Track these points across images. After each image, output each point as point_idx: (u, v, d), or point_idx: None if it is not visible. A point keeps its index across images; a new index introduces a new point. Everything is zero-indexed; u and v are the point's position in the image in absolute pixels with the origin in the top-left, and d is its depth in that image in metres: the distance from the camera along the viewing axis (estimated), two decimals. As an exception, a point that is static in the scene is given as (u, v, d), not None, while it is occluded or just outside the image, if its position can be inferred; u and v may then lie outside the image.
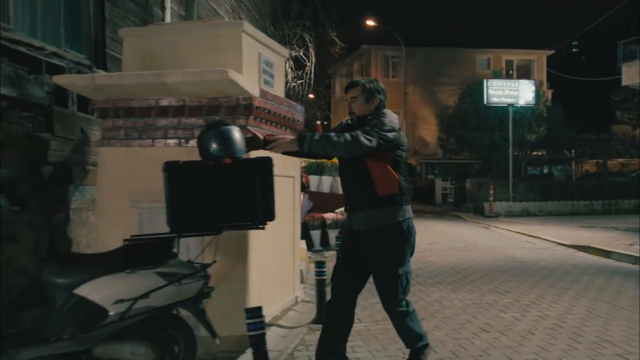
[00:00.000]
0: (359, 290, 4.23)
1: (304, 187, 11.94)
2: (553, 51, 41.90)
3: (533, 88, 25.35)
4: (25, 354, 3.50)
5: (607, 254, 11.14)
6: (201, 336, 4.13)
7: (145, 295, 3.58)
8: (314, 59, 17.24)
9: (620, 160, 40.96)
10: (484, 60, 42.48)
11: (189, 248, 4.60)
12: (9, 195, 4.73)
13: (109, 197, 5.28)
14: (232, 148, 3.88)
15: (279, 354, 4.79)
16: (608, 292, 7.52)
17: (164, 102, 5.16)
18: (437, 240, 14.00)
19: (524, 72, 40.07)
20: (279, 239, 5.78)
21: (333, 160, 9.24)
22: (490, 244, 13.38)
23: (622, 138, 39.18)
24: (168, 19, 8.20)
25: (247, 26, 5.41)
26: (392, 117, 4.09)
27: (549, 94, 36.67)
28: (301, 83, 17.27)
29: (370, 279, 4.20)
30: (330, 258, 4.41)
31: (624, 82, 22.17)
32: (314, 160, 11.73)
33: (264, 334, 3.73)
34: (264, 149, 4.08)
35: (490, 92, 24.61)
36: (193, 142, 5.03)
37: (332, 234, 11.95)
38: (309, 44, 16.96)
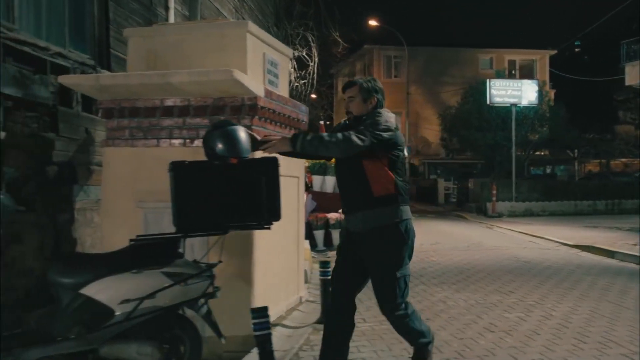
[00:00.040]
0: (358, 290, 4.20)
1: (307, 187, 11.93)
2: (556, 51, 41.82)
3: (536, 88, 25.35)
4: (32, 354, 3.50)
5: (610, 254, 11.12)
6: (206, 336, 4.14)
7: (152, 295, 3.58)
8: (316, 59, 17.23)
9: (624, 160, 40.91)
10: (487, 60, 42.46)
11: (193, 248, 4.60)
12: (14, 195, 4.73)
13: (113, 197, 5.28)
14: (238, 148, 3.88)
15: (284, 354, 4.79)
16: (612, 292, 7.51)
17: (169, 102, 5.16)
18: (440, 240, 14.00)
19: (526, 72, 40.06)
20: (283, 239, 5.78)
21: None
22: (494, 244, 13.37)
23: (625, 138, 39.12)
24: (172, 19, 8.21)
25: (252, 26, 5.40)
26: (387, 117, 4.03)
27: (552, 93, 36.66)
28: (304, 83, 17.26)
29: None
30: (334, 258, 4.42)
31: (627, 82, 22.15)
32: (317, 161, 11.73)
33: (270, 334, 3.72)
34: (256, 149, 4.07)
35: (493, 92, 24.63)
36: (198, 142, 5.02)
37: (336, 234, 11.95)
38: (312, 44, 16.95)
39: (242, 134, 3.94)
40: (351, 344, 4.95)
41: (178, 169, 3.82)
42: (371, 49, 41.63)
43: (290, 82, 15.39)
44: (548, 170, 41.58)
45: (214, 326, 3.80)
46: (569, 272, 9.24)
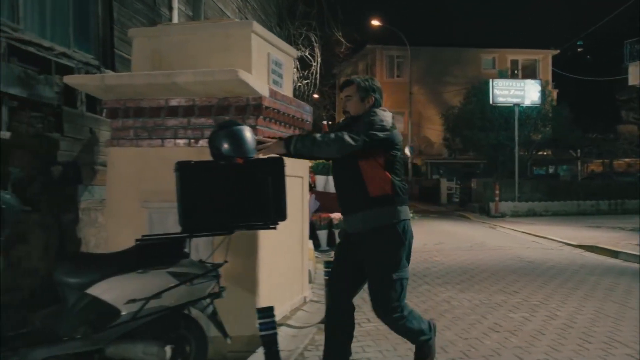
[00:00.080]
0: (357, 291, 4.15)
1: (311, 187, 11.93)
2: (558, 51, 41.82)
3: (539, 88, 25.33)
4: (38, 354, 3.51)
5: (614, 254, 11.10)
6: (211, 336, 4.14)
7: (157, 295, 3.58)
8: (319, 59, 17.22)
9: (627, 160, 40.86)
10: (489, 60, 42.45)
11: (198, 248, 4.60)
12: (19, 195, 4.74)
13: (118, 197, 5.29)
14: (244, 148, 3.87)
15: (289, 353, 4.79)
16: (617, 292, 7.50)
17: (174, 102, 5.17)
18: (443, 240, 14.00)
19: (529, 72, 40.03)
20: (288, 239, 5.78)
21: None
22: (497, 243, 13.35)
23: (629, 138, 39.07)
24: (175, 19, 8.21)
25: (257, 26, 5.40)
26: (383, 116, 3.95)
27: (555, 93, 36.64)
28: (307, 83, 17.26)
29: None
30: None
31: (631, 82, 22.09)
32: (320, 161, 11.73)
33: (275, 334, 3.72)
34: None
35: (496, 92, 24.61)
36: (202, 142, 5.03)
37: (339, 234, 11.95)
38: (315, 44, 16.95)
39: (247, 134, 3.93)
40: (356, 343, 4.98)
41: (184, 169, 3.82)
42: (374, 48, 41.65)
43: (293, 82, 15.41)
44: (551, 170, 41.55)
45: (220, 326, 3.80)
46: (573, 272, 9.23)
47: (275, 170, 3.95)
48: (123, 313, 3.57)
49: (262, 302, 4.82)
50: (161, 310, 3.62)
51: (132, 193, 5.20)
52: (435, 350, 4.25)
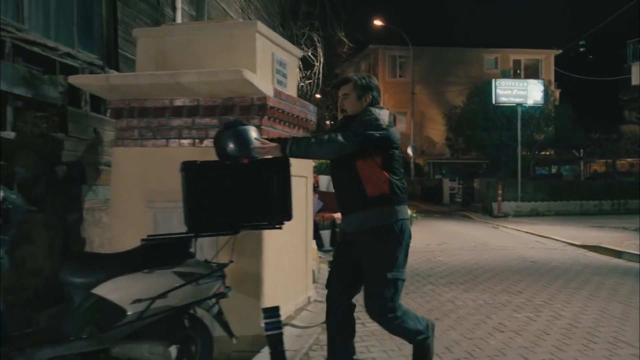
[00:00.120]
0: (356, 290, 4.12)
1: (314, 187, 11.92)
2: (561, 51, 41.79)
3: (542, 88, 25.30)
4: (44, 354, 3.51)
5: (618, 254, 11.09)
6: (215, 335, 4.13)
7: (163, 295, 3.58)
8: (322, 59, 17.22)
9: (629, 160, 40.81)
10: (492, 60, 42.43)
11: (202, 248, 4.60)
12: (24, 195, 4.74)
13: (123, 197, 5.28)
14: (250, 148, 3.87)
15: (294, 353, 4.78)
16: (621, 292, 7.49)
17: (178, 102, 5.16)
18: (446, 240, 13.99)
19: (531, 72, 40.00)
20: (292, 239, 5.78)
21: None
22: (500, 243, 13.34)
23: (632, 138, 39.04)
24: (179, 19, 8.22)
25: (261, 26, 5.40)
26: (379, 115, 3.89)
27: (557, 93, 36.60)
28: (309, 83, 17.26)
29: None
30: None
31: (634, 82, 22.03)
32: (324, 161, 11.73)
33: (281, 334, 3.73)
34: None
35: (499, 91, 24.59)
36: (207, 142, 5.03)
37: (342, 234, 11.92)
38: (318, 44, 16.94)
39: (253, 134, 3.94)
40: (361, 343, 4.99)
41: (189, 169, 3.82)
42: (376, 48, 41.67)
43: (296, 82, 15.40)
44: (553, 170, 41.51)
45: (226, 326, 3.80)
46: (577, 272, 9.21)
47: (281, 170, 3.95)
48: (129, 313, 3.57)
49: (267, 302, 4.81)
50: (167, 310, 3.61)
51: (136, 193, 5.20)
52: (434, 350, 4.20)
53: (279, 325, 3.72)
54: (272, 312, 3.73)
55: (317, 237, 11.28)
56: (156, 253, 3.76)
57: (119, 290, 3.59)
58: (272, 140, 4.05)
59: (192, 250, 3.86)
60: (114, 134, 5.53)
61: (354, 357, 4.20)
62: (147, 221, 5.10)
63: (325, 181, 13.21)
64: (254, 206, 3.92)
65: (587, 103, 40.99)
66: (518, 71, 39.10)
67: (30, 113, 5.18)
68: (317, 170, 12.90)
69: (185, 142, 5.21)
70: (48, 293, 5.16)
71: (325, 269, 6.35)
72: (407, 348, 5.04)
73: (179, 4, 8.26)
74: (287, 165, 3.96)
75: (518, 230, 16.61)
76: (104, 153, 6.12)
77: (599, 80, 35.42)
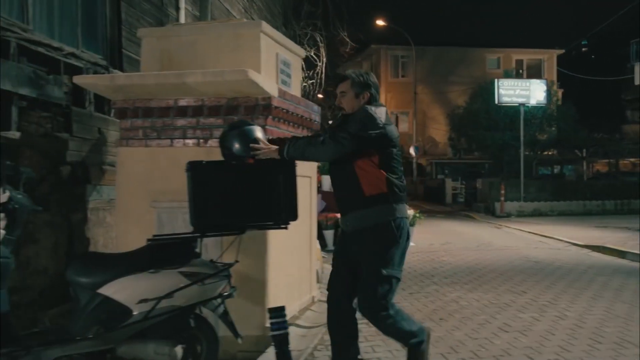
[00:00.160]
0: (356, 292, 4.04)
1: (317, 188, 11.91)
2: (563, 50, 41.75)
3: (544, 88, 25.30)
4: (51, 353, 3.51)
5: (621, 254, 11.06)
6: (220, 335, 4.13)
7: (169, 295, 3.57)
8: (324, 59, 17.22)
9: (632, 160, 40.74)
10: (494, 59, 42.42)
11: (207, 248, 4.59)
12: (29, 195, 4.75)
13: (127, 197, 5.28)
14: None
15: (299, 353, 4.78)
16: (626, 293, 7.47)
17: (183, 102, 5.16)
18: (450, 240, 13.99)
19: (534, 72, 39.96)
20: (297, 239, 5.77)
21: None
22: (504, 243, 13.33)
23: (634, 138, 38.99)
24: (182, 19, 8.22)
25: (266, 26, 5.40)
26: (376, 113, 3.82)
27: (560, 93, 36.57)
28: (312, 83, 17.26)
29: None
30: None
31: (637, 81, 22.04)
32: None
33: (287, 334, 3.72)
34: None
35: (502, 91, 24.59)
36: (211, 142, 5.03)
37: (345, 234, 11.91)
38: (320, 44, 16.94)
39: (258, 134, 3.93)
40: (366, 343, 4.98)
41: (195, 169, 3.82)
42: (378, 48, 41.66)
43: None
44: (556, 170, 41.45)
45: (231, 326, 3.80)
46: (581, 272, 9.20)
47: (287, 169, 3.95)
48: (135, 313, 3.57)
49: (271, 302, 4.81)
50: (173, 310, 3.61)
51: (141, 193, 5.20)
52: (429, 357, 4.08)
53: (284, 325, 3.71)
54: (278, 312, 3.72)
55: (320, 237, 11.27)
56: (162, 253, 3.76)
57: (125, 290, 3.58)
58: (272, 141, 4.03)
59: (197, 250, 3.86)
60: (119, 134, 5.53)
61: (359, 356, 4.18)
62: (152, 221, 5.10)
63: (328, 181, 13.20)
64: (259, 206, 3.92)
65: (589, 103, 40.93)
66: (520, 71, 39.08)
67: (34, 113, 5.19)
68: (320, 171, 12.88)
69: (190, 142, 5.21)
70: (52, 293, 5.17)
71: (328, 269, 6.31)
72: (413, 348, 5.06)
73: (182, 4, 8.26)
74: (293, 165, 3.96)
75: (521, 230, 16.60)
76: (108, 153, 6.12)
77: (601, 80, 35.39)
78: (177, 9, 8.23)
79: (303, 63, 16.42)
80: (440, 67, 41.45)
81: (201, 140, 5.18)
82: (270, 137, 4.21)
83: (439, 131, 39.99)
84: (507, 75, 30.86)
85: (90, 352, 3.58)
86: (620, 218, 19.87)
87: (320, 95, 21.67)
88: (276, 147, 3.88)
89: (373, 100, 3.99)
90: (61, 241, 5.40)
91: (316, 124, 6.37)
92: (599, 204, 23.08)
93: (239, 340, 3.82)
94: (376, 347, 5.14)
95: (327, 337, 5.22)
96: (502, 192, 21.70)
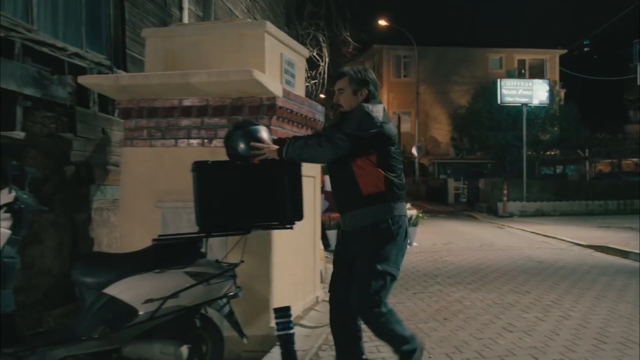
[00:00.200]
0: None
1: (320, 187, 11.90)
2: (566, 50, 41.72)
3: (547, 88, 25.28)
4: (56, 353, 3.52)
5: (624, 254, 11.05)
6: (225, 335, 4.13)
7: (175, 295, 3.58)
8: (327, 59, 17.21)
9: (635, 160, 40.71)
10: (497, 59, 42.41)
11: (212, 248, 4.59)
12: (34, 195, 4.76)
13: (132, 197, 5.28)
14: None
15: (304, 353, 4.78)
16: (629, 293, 7.46)
17: (187, 102, 5.16)
18: (452, 240, 13.98)
19: (536, 72, 39.95)
20: (301, 239, 5.77)
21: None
22: (506, 243, 13.32)
23: (637, 138, 38.96)
24: (186, 19, 8.22)
25: (270, 26, 5.40)
26: (371, 111, 3.78)
27: (562, 93, 36.56)
28: (314, 83, 17.25)
29: None
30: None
31: (639, 82, 21.96)
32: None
33: (292, 334, 3.72)
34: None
35: (504, 91, 24.57)
36: (216, 142, 5.03)
37: (348, 234, 11.90)
38: (323, 44, 16.93)
39: (264, 134, 3.93)
40: (370, 343, 4.97)
41: (201, 169, 3.82)
42: (380, 48, 41.67)
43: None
44: (558, 170, 41.42)
45: (237, 326, 3.80)
46: (584, 272, 9.19)
47: (292, 169, 3.95)
48: (140, 313, 3.58)
49: (275, 302, 4.80)
50: (178, 310, 3.61)
51: (145, 193, 5.20)
52: None
53: (290, 325, 3.72)
54: (283, 312, 3.72)
55: (323, 237, 11.27)
56: (167, 253, 3.76)
57: (130, 290, 3.59)
58: (275, 141, 4.01)
59: (203, 250, 3.86)
60: (122, 134, 5.54)
61: (363, 357, 4.17)
62: (156, 221, 5.11)
63: (331, 181, 13.19)
64: (265, 206, 3.92)
65: (592, 103, 40.93)
66: (523, 71, 39.09)
67: (39, 113, 5.19)
68: (324, 171, 12.88)
69: (194, 142, 5.21)
70: (56, 293, 5.18)
71: (332, 269, 6.33)
72: (417, 348, 5.06)
73: (185, 4, 8.27)
74: (298, 165, 3.96)
75: (524, 230, 16.59)
76: (112, 153, 6.13)
77: (604, 80, 35.35)
78: (181, 9, 8.23)
79: (306, 63, 16.43)
80: (443, 67, 41.44)
81: (205, 140, 5.18)
82: (275, 138, 4.21)
83: (441, 131, 39.98)
84: (509, 75, 30.84)
85: (96, 352, 3.59)
86: (622, 218, 19.84)
87: (322, 96, 21.66)
88: (277, 147, 3.87)
89: (371, 98, 3.95)
90: (65, 241, 5.40)
91: (320, 124, 6.37)
92: (602, 204, 23.05)
93: (245, 340, 3.82)
94: (381, 348, 5.12)
95: (332, 337, 5.24)
96: (505, 192, 21.69)
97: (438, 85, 41.35)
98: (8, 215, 3.46)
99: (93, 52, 6.20)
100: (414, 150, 34.40)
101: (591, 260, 10.62)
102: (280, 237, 5.04)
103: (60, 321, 5.02)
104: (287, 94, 5.30)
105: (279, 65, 5.58)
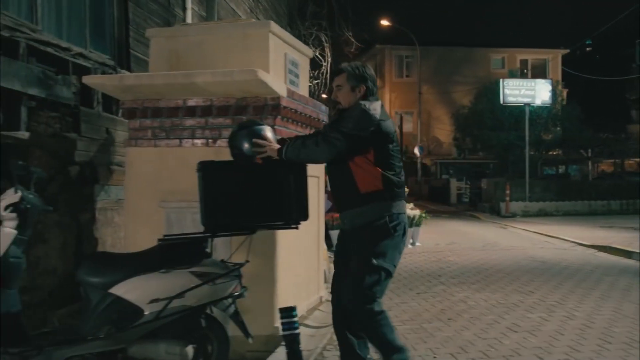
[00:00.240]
0: None
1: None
2: (568, 50, 41.68)
3: (549, 87, 25.27)
4: (62, 353, 3.51)
5: (628, 254, 11.02)
6: (229, 335, 4.12)
7: (180, 295, 3.57)
8: (329, 59, 17.20)
9: (637, 159, 40.65)
10: (499, 59, 42.35)
11: (216, 248, 4.59)
12: (39, 195, 4.77)
13: (136, 197, 5.29)
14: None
15: (308, 353, 4.77)
16: (634, 293, 7.44)
17: (192, 102, 5.16)
18: (455, 240, 13.97)
19: (538, 72, 39.90)
20: (306, 239, 5.77)
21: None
22: (509, 243, 13.31)
23: (639, 138, 38.91)
24: (189, 19, 8.23)
25: (274, 26, 5.39)
26: (369, 109, 3.74)
27: (565, 93, 36.51)
28: (317, 83, 17.25)
29: None
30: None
31: (642, 81, 21.96)
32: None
33: (298, 334, 3.72)
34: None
35: (507, 91, 24.56)
36: (220, 142, 5.03)
37: (351, 234, 11.90)
38: (325, 44, 16.93)
39: (268, 133, 3.93)
40: (375, 344, 4.95)
41: (206, 169, 3.82)
42: (383, 48, 41.65)
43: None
44: (561, 170, 41.38)
45: (242, 326, 3.80)
46: (588, 272, 9.18)
47: (297, 169, 3.95)
48: (146, 312, 3.57)
49: (280, 302, 4.80)
50: (184, 309, 3.61)
51: (149, 193, 5.20)
52: None
53: (295, 325, 3.72)
54: (289, 312, 3.72)
55: (326, 237, 11.26)
56: (173, 253, 3.76)
57: (136, 290, 3.59)
58: (278, 141, 4.00)
59: (208, 250, 3.86)
60: (127, 134, 5.54)
61: (368, 357, 4.16)
62: (160, 221, 5.10)
63: (334, 181, 13.18)
64: (270, 206, 3.92)
65: (594, 103, 40.88)
66: (525, 71, 39.05)
67: (43, 113, 5.20)
68: (326, 170, 12.88)
69: (199, 142, 5.20)
70: (61, 293, 5.18)
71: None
72: (422, 348, 5.08)
73: (189, 5, 8.27)
74: (304, 165, 3.96)
75: (527, 230, 16.58)
76: (116, 153, 6.13)
77: (606, 79, 35.31)
78: (184, 9, 8.23)
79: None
80: (445, 67, 41.39)
81: (210, 140, 5.18)
82: (279, 138, 4.21)
83: (444, 131, 39.94)
84: (511, 75, 30.85)
85: (101, 352, 3.59)
86: (625, 218, 19.79)
87: (324, 96, 21.67)
88: (278, 146, 3.86)
89: (370, 94, 3.91)
90: (69, 241, 5.41)
91: (324, 123, 6.36)
92: (604, 204, 23.02)
93: (250, 340, 3.82)
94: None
95: (336, 337, 5.24)
96: (508, 192, 21.66)
97: (440, 85, 41.30)
98: (14, 215, 3.46)
99: (97, 52, 6.20)
100: (416, 150, 34.37)
101: (595, 260, 10.61)
102: (284, 237, 5.04)
103: (65, 321, 5.03)
104: (291, 94, 5.30)
105: (283, 65, 5.58)
